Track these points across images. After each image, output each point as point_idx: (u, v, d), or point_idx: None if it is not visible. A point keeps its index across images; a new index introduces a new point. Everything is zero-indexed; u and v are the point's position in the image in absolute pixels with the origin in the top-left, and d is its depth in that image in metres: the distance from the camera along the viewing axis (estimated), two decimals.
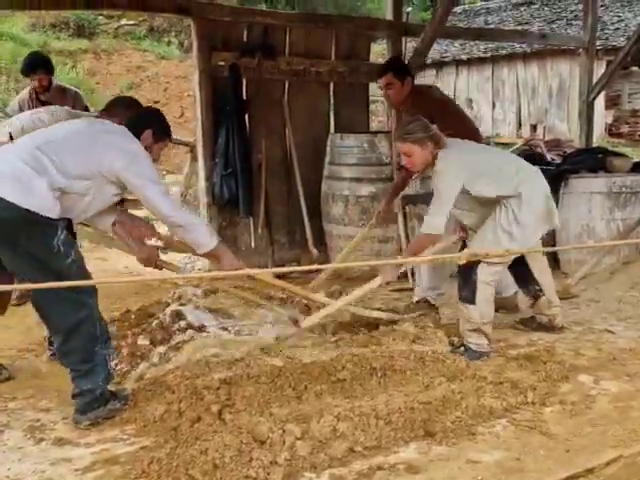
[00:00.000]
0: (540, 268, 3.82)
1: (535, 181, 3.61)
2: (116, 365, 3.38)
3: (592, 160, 5.76)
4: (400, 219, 5.00)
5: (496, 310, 3.98)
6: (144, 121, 3.15)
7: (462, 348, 3.55)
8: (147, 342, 3.63)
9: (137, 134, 3.06)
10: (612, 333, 3.91)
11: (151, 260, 3.35)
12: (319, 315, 3.52)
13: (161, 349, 3.52)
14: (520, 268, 3.79)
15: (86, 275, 2.93)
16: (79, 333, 2.81)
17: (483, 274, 3.48)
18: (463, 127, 4.14)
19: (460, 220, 3.73)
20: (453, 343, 3.63)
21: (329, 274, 4.48)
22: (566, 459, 2.49)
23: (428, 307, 4.14)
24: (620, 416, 2.85)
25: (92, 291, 2.90)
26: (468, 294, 3.52)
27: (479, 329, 3.51)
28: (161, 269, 3.40)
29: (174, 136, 6.10)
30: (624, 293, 4.74)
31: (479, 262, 3.45)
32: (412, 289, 4.84)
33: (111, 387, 3.00)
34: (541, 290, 3.82)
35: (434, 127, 3.51)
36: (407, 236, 5.12)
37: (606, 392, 3.10)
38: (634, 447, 2.56)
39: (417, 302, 4.16)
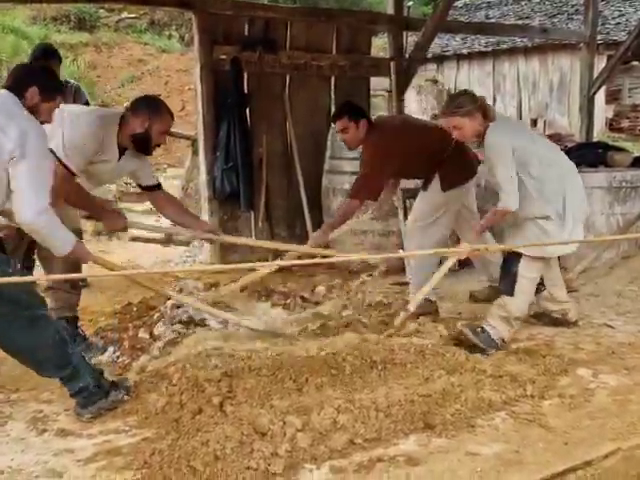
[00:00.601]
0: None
1: (575, 181, 3.64)
2: (117, 357, 3.40)
3: (592, 155, 5.77)
4: (400, 213, 5.01)
5: (486, 301, 4.00)
6: (27, 78, 2.80)
7: (480, 329, 3.53)
8: (147, 335, 3.64)
9: (20, 94, 2.73)
10: (611, 327, 3.93)
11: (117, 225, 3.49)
12: None
13: (162, 342, 3.54)
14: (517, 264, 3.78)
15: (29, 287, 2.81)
16: (45, 344, 2.75)
17: (524, 269, 3.49)
18: (430, 139, 4.10)
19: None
20: (456, 338, 3.61)
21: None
22: (565, 452, 2.51)
23: (427, 304, 4.13)
24: (619, 409, 2.87)
25: (42, 302, 2.84)
26: (507, 286, 3.54)
27: (508, 320, 3.53)
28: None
29: (175, 130, 6.13)
30: (623, 287, 4.76)
31: (521, 255, 3.47)
32: None
33: (113, 378, 3.02)
34: (542, 284, 3.81)
35: (482, 98, 3.57)
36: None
37: (605, 385, 3.12)
38: (632, 440, 2.58)
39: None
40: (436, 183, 4.04)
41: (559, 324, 3.92)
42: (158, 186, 3.71)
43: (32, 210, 2.63)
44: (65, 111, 3.20)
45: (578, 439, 2.61)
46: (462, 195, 4.11)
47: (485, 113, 3.52)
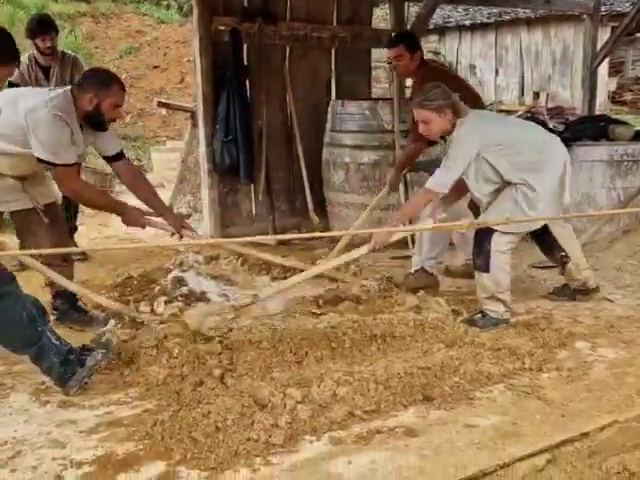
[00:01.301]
0: (564, 235, 3.80)
1: (556, 154, 3.57)
2: (119, 329, 3.41)
3: (594, 128, 5.74)
4: (401, 187, 5.00)
5: (472, 277, 4.00)
6: None
7: (479, 315, 3.55)
8: (148, 309, 3.66)
9: None
10: (610, 301, 3.95)
11: (137, 221, 3.42)
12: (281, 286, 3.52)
13: (163, 315, 3.56)
14: (543, 237, 3.79)
15: None
16: (13, 322, 2.73)
17: (497, 244, 3.47)
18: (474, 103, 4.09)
19: (474, 191, 3.66)
20: (457, 312, 3.64)
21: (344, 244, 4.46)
22: (562, 424, 2.54)
23: (427, 277, 4.15)
24: (616, 382, 2.89)
25: (8, 279, 2.79)
26: (482, 262, 3.52)
27: (494, 296, 3.52)
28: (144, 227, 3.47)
29: (174, 101, 6.06)
30: (623, 261, 4.77)
31: (493, 231, 3.44)
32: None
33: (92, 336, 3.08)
34: (567, 256, 3.80)
35: (455, 95, 3.49)
36: None
37: (603, 359, 3.14)
38: (629, 412, 2.60)
39: (415, 272, 4.17)
40: None
41: (581, 295, 3.93)
42: (121, 154, 3.53)
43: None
44: (19, 107, 3.10)
45: (575, 411, 2.64)
46: None
47: (456, 110, 3.45)
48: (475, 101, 4.13)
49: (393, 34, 4.34)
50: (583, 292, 3.94)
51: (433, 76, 4.01)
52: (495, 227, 3.42)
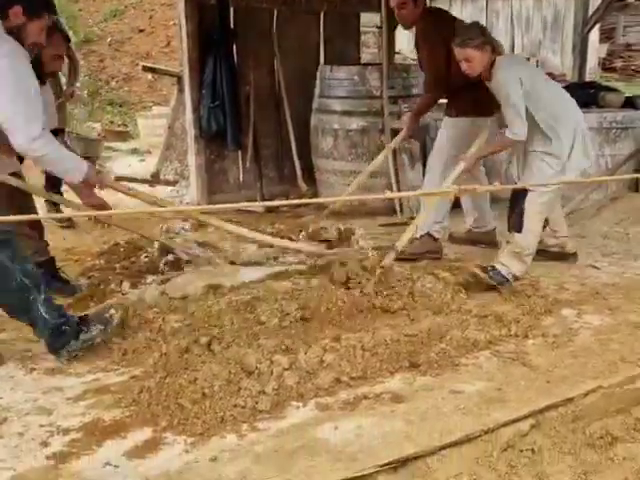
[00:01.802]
0: None
1: (578, 115, 3.63)
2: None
3: (585, 95, 5.70)
4: (389, 153, 4.96)
5: (475, 244, 4.02)
6: None
7: (490, 267, 3.56)
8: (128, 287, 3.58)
9: (2, 15, 2.58)
10: (596, 268, 3.97)
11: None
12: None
13: (150, 284, 3.54)
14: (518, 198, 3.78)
15: None
16: (5, 289, 2.71)
17: (532, 203, 3.49)
18: None
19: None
20: (480, 267, 3.62)
21: (330, 210, 4.43)
22: (546, 389, 2.56)
23: (432, 242, 4.14)
24: (600, 348, 2.92)
25: (2, 246, 2.71)
26: (516, 222, 3.55)
27: (520, 256, 3.54)
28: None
29: (160, 66, 5.95)
30: (610, 229, 4.78)
31: (527, 191, 3.47)
32: (402, 224, 4.86)
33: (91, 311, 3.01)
34: (546, 220, 3.82)
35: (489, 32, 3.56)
36: (396, 171, 5.10)
37: (588, 325, 3.17)
38: (613, 378, 2.63)
39: (421, 237, 4.12)
40: (453, 110, 4.07)
41: (559, 258, 3.97)
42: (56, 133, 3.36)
43: (24, 136, 2.57)
44: None
45: (560, 377, 2.66)
46: (474, 129, 4.02)
47: (494, 47, 3.51)
48: None
49: None
50: (560, 257, 3.97)
51: (438, 24, 3.98)
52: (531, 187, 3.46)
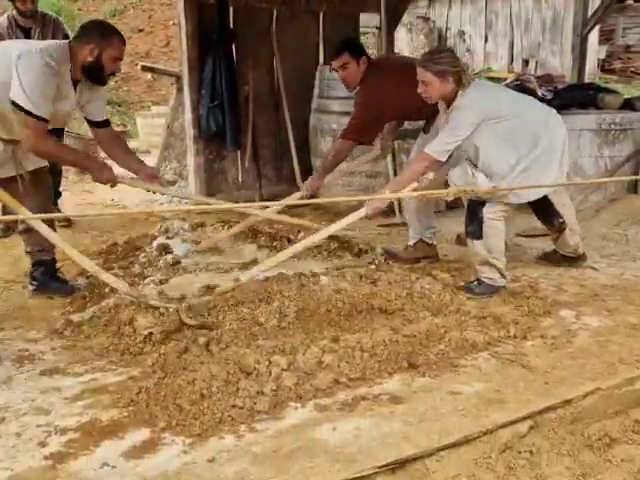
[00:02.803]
0: (562, 202, 3.81)
1: (557, 135, 3.55)
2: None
3: (583, 96, 5.71)
4: (389, 154, 4.96)
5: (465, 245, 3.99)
6: None
7: (476, 282, 3.55)
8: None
9: None
10: (595, 269, 3.97)
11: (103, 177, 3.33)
12: (262, 267, 3.45)
13: (148, 283, 3.53)
14: (542, 204, 3.77)
15: None
16: None
17: (490, 211, 3.47)
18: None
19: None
20: (465, 281, 3.62)
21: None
22: (545, 391, 2.56)
23: (426, 247, 4.13)
24: (599, 350, 2.91)
25: None
26: (475, 229, 3.51)
27: (488, 262, 3.52)
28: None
29: (159, 65, 5.95)
30: (609, 230, 4.79)
31: (486, 199, 3.43)
32: (401, 225, 4.87)
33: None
34: (565, 222, 3.82)
35: (462, 63, 3.43)
36: (395, 171, 5.10)
37: (587, 327, 3.16)
38: (611, 380, 2.63)
39: (415, 244, 4.12)
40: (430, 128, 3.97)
41: (570, 261, 3.95)
42: (107, 122, 3.51)
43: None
44: (12, 53, 3.01)
45: (558, 379, 2.66)
46: None
47: (459, 79, 3.37)
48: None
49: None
50: (572, 259, 3.96)
51: (382, 81, 3.87)
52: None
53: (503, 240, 3.57)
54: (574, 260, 3.97)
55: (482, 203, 3.46)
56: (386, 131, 4.39)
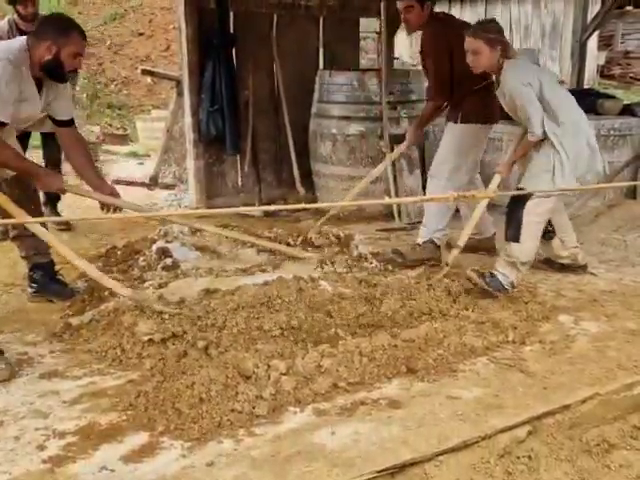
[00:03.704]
0: (557, 209, 3.78)
1: (586, 127, 3.59)
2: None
3: (582, 102, 5.69)
4: (388, 158, 4.97)
5: (474, 250, 4.00)
6: None
7: (489, 274, 3.52)
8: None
9: None
10: (594, 275, 3.97)
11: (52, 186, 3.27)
12: None
13: (147, 286, 3.53)
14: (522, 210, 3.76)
15: None
16: None
17: (530, 213, 3.44)
18: None
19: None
20: (477, 271, 3.58)
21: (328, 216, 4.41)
22: (543, 396, 2.56)
23: (434, 248, 4.12)
24: (597, 355, 2.92)
25: None
26: (513, 232, 3.49)
27: (515, 265, 3.50)
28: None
29: (159, 69, 5.96)
30: (607, 236, 4.79)
31: (527, 199, 3.42)
32: (400, 229, 4.87)
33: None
34: (553, 231, 3.82)
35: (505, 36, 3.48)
36: (395, 177, 5.11)
37: (585, 332, 3.17)
38: (610, 385, 2.63)
39: (423, 243, 4.12)
40: (458, 116, 4.00)
41: (569, 269, 3.95)
42: (71, 122, 3.38)
43: None
44: None
45: (557, 384, 2.66)
46: (479, 136, 4.04)
47: (505, 49, 3.44)
48: None
49: None
50: (570, 267, 3.96)
51: (445, 30, 3.93)
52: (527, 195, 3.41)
53: (537, 248, 3.58)
54: (573, 270, 3.96)
55: (522, 205, 3.43)
56: (415, 122, 4.38)
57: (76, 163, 3.47)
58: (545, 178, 3.47)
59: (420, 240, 4.13)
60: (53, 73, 3.11)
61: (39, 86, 3.15)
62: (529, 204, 3.44)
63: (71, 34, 3.08)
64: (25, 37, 3.15)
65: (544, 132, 3.42)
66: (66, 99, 3.36)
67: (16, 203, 3.15)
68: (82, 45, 3.16)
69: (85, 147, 3.57)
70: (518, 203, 3.47)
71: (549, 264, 4.03)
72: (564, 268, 3.97)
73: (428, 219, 4.16)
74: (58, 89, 3.25)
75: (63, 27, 3.09)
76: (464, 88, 3.89)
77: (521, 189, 3.49)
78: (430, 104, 4.19)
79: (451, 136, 4.08)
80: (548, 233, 3.82)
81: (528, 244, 3.50)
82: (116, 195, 3.49)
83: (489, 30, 3.43)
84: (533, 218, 3.47)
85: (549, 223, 3.77)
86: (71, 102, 3.52)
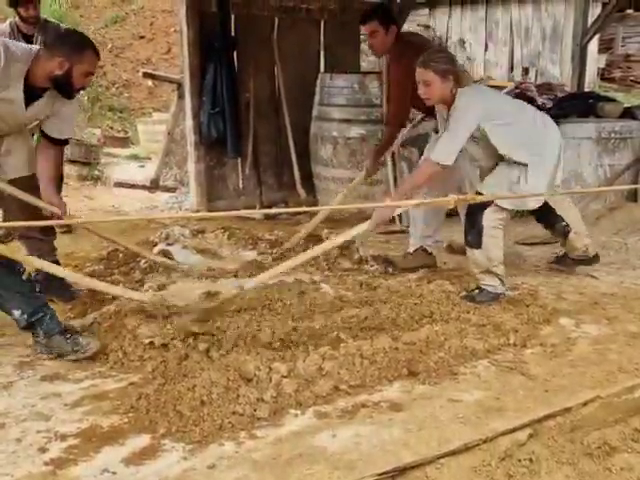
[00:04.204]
0: (562, 206, 3.81)
1: (554, 138, 3.56)
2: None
3: (583, 105, 5.73)
4: (389, 162, 4.98)
5: (462, 253, 4.01)
6: None
7: (477, 290, 3.53)
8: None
9: None
10: (595, 278, 3.97)
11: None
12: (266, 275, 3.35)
13: (148, 289, 3.53)
14: (543, 211, 3.75)
15: None
16: None
17: (489, 219, 3.44)
18: None
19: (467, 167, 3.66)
20: (465, 289, 3.61)
21: (321, 218, 4.39)
22: (544, 399, 2.56)
23: (425, 256, 4.11)
24: (598, 358, 2.92)
25: None
26: (474, 238, 3.48)
27: (489, 271, 3.50)
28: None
29: (160, 72, 5.98)
30: (608, 239, 4.79)
31: (485, 207, 3.40)
32: (400, 232, 4.88)
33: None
34: (568, 225, 3.81)
35: (459, 63, 3.44)
36: (395, 179, 5.11)
37: (586, 335, 3.17)
38: (611, 388, 2.63)
39: (414, 251, 4.11)
40: None
41: (582, 263, 3.96)
42: (63, 142, 3.31)
43: None
44: None
45: (558, 387, 2.66)
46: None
47: (458, 79, 3.38)
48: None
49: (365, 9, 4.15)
50: (585, 262, 3.96)
51: (410, 52, 3.86)
52: (487, 202, 3.39)
53: (502, 248, 3.56)
54: (587, 263, 3.96)
55: (482, 210, 3.44)
56: (372, 154, 4.38)
57: (42, 176, 3.25)
58: (506, 187, 3.45)
59: (411, 249, 4.12)
60: (61, 89, 3.08)
61: (36, 95, 3.08)
62: (488, 210, 3.42)
63: (85, 52, 3.04)
64: (37, 46, 3.11)
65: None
66: (67, 119, 3.26)
67: (21, 207, 3.18)
68: (95, 64, 3.12)
69: (58, 167, 3.52)
70: (477, 210, 3.45)
71: (559, 263, 4.03)
72: (576, 263, 3.97)
73: (415, 226, 4.14)
74: (63, 105, 3.18)
75: (78, 45, 3.04)
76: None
77: (480, 193, 3.46)
78: (388, 130, 4.17)
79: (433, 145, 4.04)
80: (564, 228, 3.82)
81: (491, 247, 3.48)
82: (61, 214, 3.21)
83: (439, 60, 3.37)
84: (491, 223, 3.45)
85: (561, 219, 3.79)
86: (72, 122, 3.41)
